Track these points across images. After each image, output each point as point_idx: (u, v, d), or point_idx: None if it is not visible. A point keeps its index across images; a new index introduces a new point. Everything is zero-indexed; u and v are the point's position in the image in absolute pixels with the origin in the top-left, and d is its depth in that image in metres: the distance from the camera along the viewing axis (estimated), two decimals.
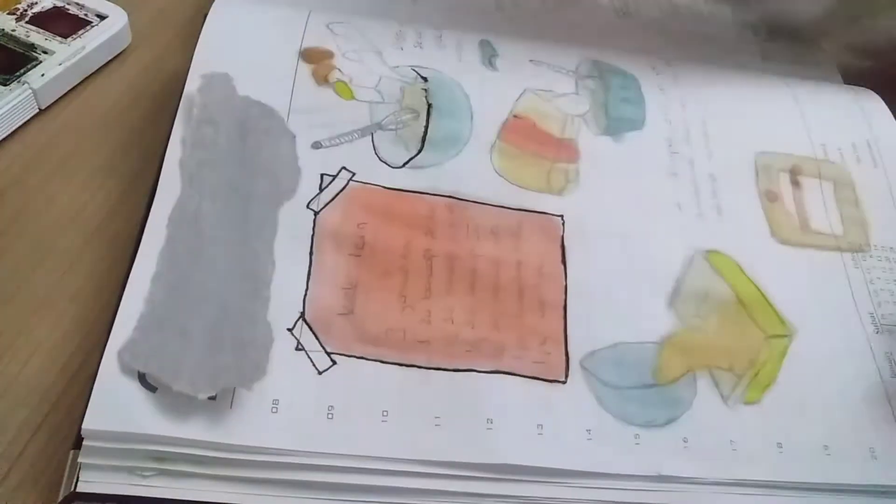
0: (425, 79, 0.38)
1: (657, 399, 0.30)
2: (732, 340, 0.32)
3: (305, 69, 0.37)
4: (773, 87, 0.41)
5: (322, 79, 0.37)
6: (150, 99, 0.38)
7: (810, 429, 0.31)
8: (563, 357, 0.31)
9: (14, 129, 0.36)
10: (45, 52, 0.37)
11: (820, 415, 0.31)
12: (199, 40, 0.36)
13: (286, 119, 0.35)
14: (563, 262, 0.33)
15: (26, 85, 0.36)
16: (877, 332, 0.33)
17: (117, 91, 0.39)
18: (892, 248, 0.36)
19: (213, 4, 0.38)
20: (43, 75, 0.36)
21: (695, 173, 0.37)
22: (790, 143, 0.38)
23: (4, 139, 0.36)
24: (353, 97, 0.37)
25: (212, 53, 0.36)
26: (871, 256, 0.35)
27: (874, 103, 0.41)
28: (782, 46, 0.47)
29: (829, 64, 0.46)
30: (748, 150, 0.38)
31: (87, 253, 0.32)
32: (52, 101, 0.38)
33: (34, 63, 0.37)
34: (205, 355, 0.27)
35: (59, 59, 0.37)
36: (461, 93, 0.38)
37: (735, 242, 0.35)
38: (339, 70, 0.37)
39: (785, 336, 0.33)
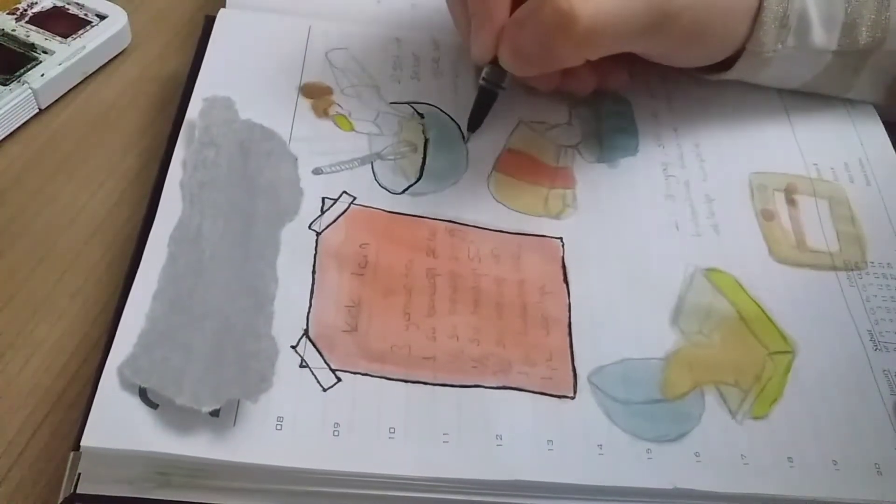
0: (422, 115, 0.38)
1: (666, 414, 0.30)
2: (736, 356, 0.32)
3: (305, 103, 0.37)
4: (768, 103, 0.42)
5: (322, 112, 0.37)
6: (150, 99, 0.38)
7: (820, 443, 0.30)
8: (571, 373, 0.30)
9: (14, 129, 0.36)
10: (45, 52, 0.38)
11: (828, 430, 0.31)
12: (202, 68, 0.36)
13: (287, 145, 0.35)
14: (566, 280, 0.33)
15: (26, 85, 0.36)
16: (875, 350, 0.33)
17: (117, 91, 0.39)
18: (889, 264, 0.36)
19: (215, 25, 0.39)
20: (43, 75, 0.37)
21: (691, 194, 0.37)
22: (784, 163, 0.39)
23: (4, 139, 0.36)
24: (352, 129, 0.37)
25: (213, 82, 0.36)
26: (867, 273, 0.36)
27: (868, 120, 0.42)
28: None
29: None
30: (743, 171, 0.38)
31: (87, 253, 0.32)
32: (52, 101, 0.38)
33: (34, 63, 0.37)
34: (207, 369, 0.27)
35: (59, 59, 0.37)
36: (456, 130, 0.38)
37: (734, 260, 0.35)
38: (338, 105, 0.38)
39: (788, 352, 0.33)
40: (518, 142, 0.38)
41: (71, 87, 0.39)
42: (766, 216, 0.37)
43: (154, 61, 0.41)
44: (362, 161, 0.36)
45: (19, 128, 0.36)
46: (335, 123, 0.37)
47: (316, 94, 0.38)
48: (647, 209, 0.36)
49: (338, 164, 0.35)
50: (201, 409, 0.25)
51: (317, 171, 0.35)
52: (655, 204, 0.37)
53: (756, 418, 0.31)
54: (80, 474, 0.25)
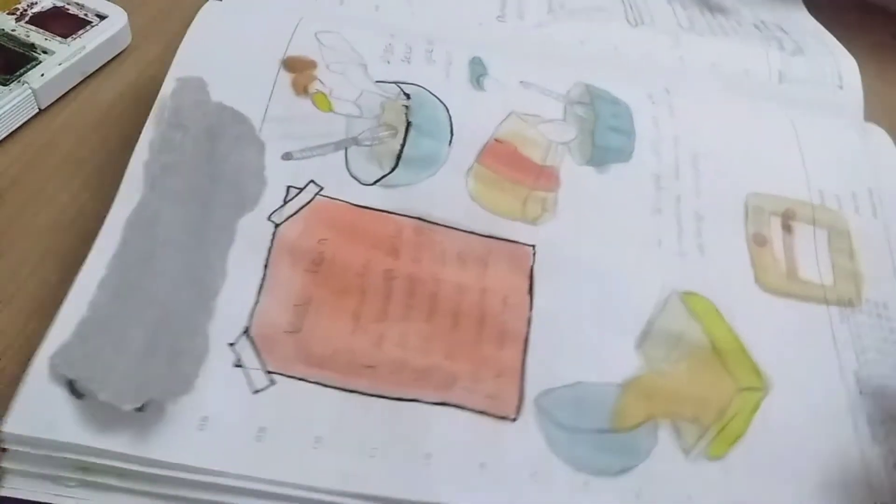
0: (408, 95, 0.37)
1: (612, 446, 0.29)
2: (701, 389, 0.31)
3: (286, 78, 0.36)
4: (777, 122, 0.39)
5: (301, 89, 0.36)
6: (150, 99, 0.38)
7: (778, 493, 0.29)
8: (517, 392, 0.29)
9: (14, 129, 0.36)
10: (44, 52, 0.38)
11: (790, 478, 0.29)
12: (181, 45, 0.36)
13: (260, 128, 0.34)
14: (530, 292, 0.32)
15: (26, 85, 0.36)
16: (860, 394, 0.31)
17: (117, 91, 0.39)
18: (885, 304, 0.33)
19: (201, 10, 0.38)
20: (43, 75, 0.37)
21: (680, 210, 0.35)
22: (786, 186, 0.36)
23: (4, 139, 0.36)
24: (330, 109, 0.36)
25: (191, 57, 0.35)
26: (861, 312, 0.33)
27: (884, 147, 0.39)
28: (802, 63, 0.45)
29: (853, 94, 0.44)
30: (740, 190, 0.36)
31: (87, 253, 0.32)
32: (52, 101, 0.38)
33: (34, 63, 0.37)
34: (137, 364, 0.27)
35: (59, 59, 0.37)
36: (443, 113, 0.36)
37: (715, 286, 0.33)
38: (321, 81, 0.36)
39: (759, 389, 0.31)
40: (507, 132, 0.36)
41: (71, 87, 0.38)
42: (759, 241, 0.34)
43: (154, 61, 0.40)
44: (336, 146, 0.35)
45: (19, 128, 0.36)
46: (313, 103, 0.36)
47: (299, 68, 0.36)
48: (630, 222, 0.34)
49: (310, 150, 0.34)
50: (122, 407, 0.25)
51: (287, 157, 0.34)
52: (640, 217, 0.34)
53: (711, 458, 0.29)
54: (4, 469, 0.25)
